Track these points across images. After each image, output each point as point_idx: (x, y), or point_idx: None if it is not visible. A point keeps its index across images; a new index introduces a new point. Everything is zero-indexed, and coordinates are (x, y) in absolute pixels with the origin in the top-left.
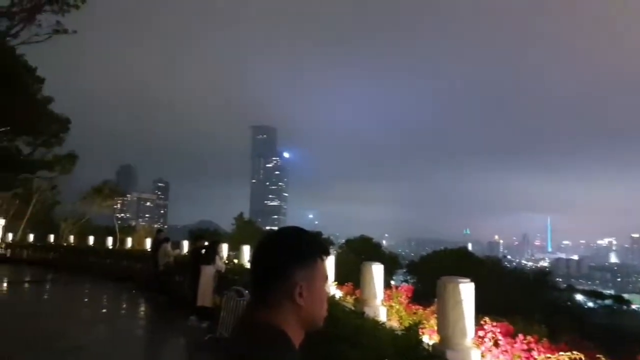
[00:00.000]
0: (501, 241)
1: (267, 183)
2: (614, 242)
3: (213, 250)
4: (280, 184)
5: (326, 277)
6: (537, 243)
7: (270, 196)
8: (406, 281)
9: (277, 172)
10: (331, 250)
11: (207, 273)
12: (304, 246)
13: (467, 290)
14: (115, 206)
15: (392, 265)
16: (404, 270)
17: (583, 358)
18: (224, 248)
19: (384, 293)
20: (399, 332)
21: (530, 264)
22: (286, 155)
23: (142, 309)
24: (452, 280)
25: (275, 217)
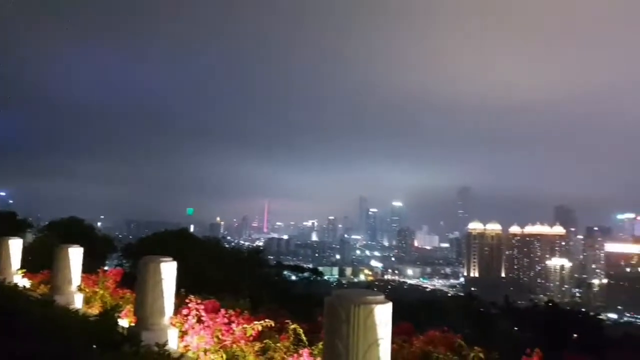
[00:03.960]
0: (222, 223)
1: None
2: (316, 223)
3: None
4: None
5: None
6: (255, 224)
7: None
8: (120, 265)
9: None
10: (28, 234)
11: None
12: None
13: (168, 269)
14: None
15: (106, 249)
16: (120, 254)
17: (273, 324)
18: None
19: (89, 278)
20: (93, 318)
21: (247, 243)
22: None
23: None
24: (154, 260)
25: None
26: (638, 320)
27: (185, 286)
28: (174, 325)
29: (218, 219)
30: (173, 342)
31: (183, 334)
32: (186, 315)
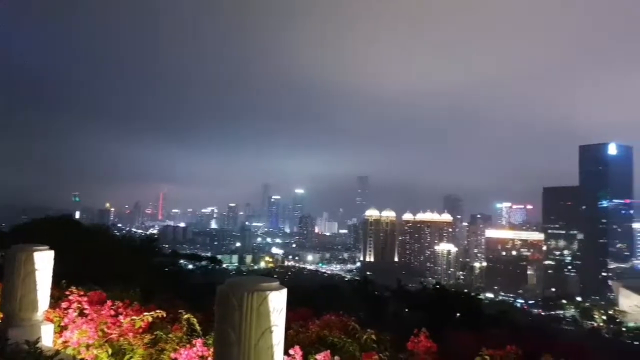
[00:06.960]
0: (112, 209)
1: None
2: (215, 210)
3: None
4: None
5: None
6: (148, 211)
7: None
8: None
9: None
10: None
11: None
12: None
13: (43, 258)
14: None
15: None
16: None
17: (165, 315)
18: None
19: None
20: None
21: (140, 231)
22: None
23: None
24: (25, 249)
25: None
26: (510, 299)
27: (68, 278)
28: (50, 320)
29: (108, 205)
30: (48, 339)
31: (62, 329)
32: (66, 309)
